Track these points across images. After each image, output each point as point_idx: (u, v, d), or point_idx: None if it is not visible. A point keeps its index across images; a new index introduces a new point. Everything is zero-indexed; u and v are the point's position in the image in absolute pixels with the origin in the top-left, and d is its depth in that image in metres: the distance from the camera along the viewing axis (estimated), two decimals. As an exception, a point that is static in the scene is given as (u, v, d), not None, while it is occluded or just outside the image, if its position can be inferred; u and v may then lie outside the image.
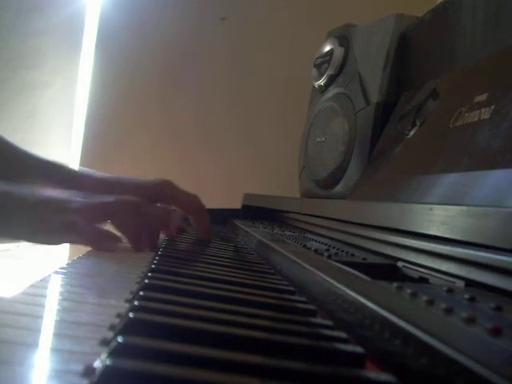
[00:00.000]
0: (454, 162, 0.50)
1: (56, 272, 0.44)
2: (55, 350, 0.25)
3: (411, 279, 0.40)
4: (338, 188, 0.87)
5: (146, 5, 1.60)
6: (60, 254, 1.53)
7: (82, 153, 1.55)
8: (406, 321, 0.24)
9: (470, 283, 0.34)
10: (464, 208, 0.35)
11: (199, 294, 0.36)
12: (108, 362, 0.21)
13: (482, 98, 0.52)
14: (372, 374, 0.24)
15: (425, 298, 0.28)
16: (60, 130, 1.58)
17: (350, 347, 0.27)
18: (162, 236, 0.70)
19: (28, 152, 0.74)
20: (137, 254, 0.62)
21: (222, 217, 1.13)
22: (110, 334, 0.27)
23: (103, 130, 1.56)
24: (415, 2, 1.02)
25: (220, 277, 0.44)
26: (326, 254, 0.48)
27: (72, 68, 1.58)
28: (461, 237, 0.34)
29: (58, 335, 0.27)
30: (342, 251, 0.52)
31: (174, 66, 1.59)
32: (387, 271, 0.43)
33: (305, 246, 0.55)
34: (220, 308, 0.32)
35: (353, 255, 0.49)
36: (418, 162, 0.59)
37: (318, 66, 1.00)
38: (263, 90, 1.61)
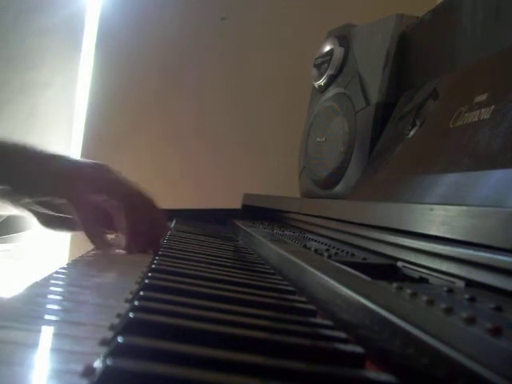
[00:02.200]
0: (454, 162, 0.50)
1: (56, 272, 0.44)
2: (55, 350, 0.25)
3: (411, 279, 0.40)
4: (338, 188, 0.87)
5: (145, 5, 1.60)
6: (60, 253, 1.53)
7: (82, 153, 1.55)
8: (406, 321, 0.24)
9: (470, 283, 0.34)
10: (464, 208, 0.35)
11: (199, 293, 0.36)
12: (108, 362, 0.21)
13: (482, 98, 0.52)
14: (372, 373, 0.24)
15: (425, 298, 0.28)
16: (60, 130, 1.57)
17: (349, 347, 0.27)
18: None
19: None
20: (137, 255, 0.62)
21: (222, 217, 1.13)
22: (110, 334, 0.27)
23: (103, 130, 1.56)
24: (415, 2, 1.02)
25: (220, 277, 0.44)
26: (326, 254, 0.48)
27: (72, 68, 1.58)
28: (461, 237, 0.34)
29: (57, 335, 0.27)
30: (342, 251, 0.52)
31: (173, 65, 1.59)
32: (387, 271, 0.43)
33: (305, 246, 0.55)
34: (220, 308, 0.32)
35: (353, 255, 0.49)
36: (417, 162, 0.59)
37: (318, 66, 1.00)
38: (263, 89, 1.61)
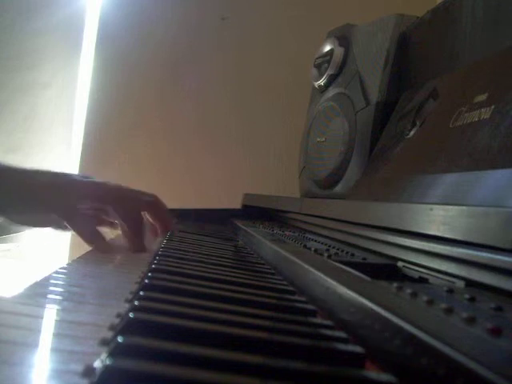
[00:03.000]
0: (454, 161, 0.50)
1: (56, 272, 0.44)
2: (55, 350, 0.25)
3: (411, 279, 0.40)
4: (338, 188, 0.87)
5: (146, 5, 1.60)
6: (60, 254, 1.53)
7: (82, 153, 1.55)
8: (406, 321, 0.24)
9: (470, 283, 0.34)
10: (464, 208, 0.35)
11: (199, 294, 0.36)
12: (108, 362, 0.21)
13: (482, 98, 0.52)
14: (372, 374, 0.24)
15: (425, 298, 0.28)
16: (60, 130, 1.57)
17: (349, 347, 0.27)
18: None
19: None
20: (137, 255, 0.62)
21: (222, 217, 1.13)
22: (110, 334, 0.27)
23: (103, 130, 1.56)
24: (415, 2, 1.02)
25: (220, 277, 0.44)
26: (326, 254, 0.48)
27: (72, 68, 1.58)
28: (461, 237, 0.34)
29: (57, 335, 0.27)
30: (342, 251, 0.52)
31: (174, 66, 1.59)
32: (387, 271, 0.43)
33: (305, 246, 0.55)
34: (220, 308, 0.32)
35: (353, 255, 0.49)
36: (418, 162, 0.59)
37: (318, 66, 1.00)
38: (263, 89, 1.61)
